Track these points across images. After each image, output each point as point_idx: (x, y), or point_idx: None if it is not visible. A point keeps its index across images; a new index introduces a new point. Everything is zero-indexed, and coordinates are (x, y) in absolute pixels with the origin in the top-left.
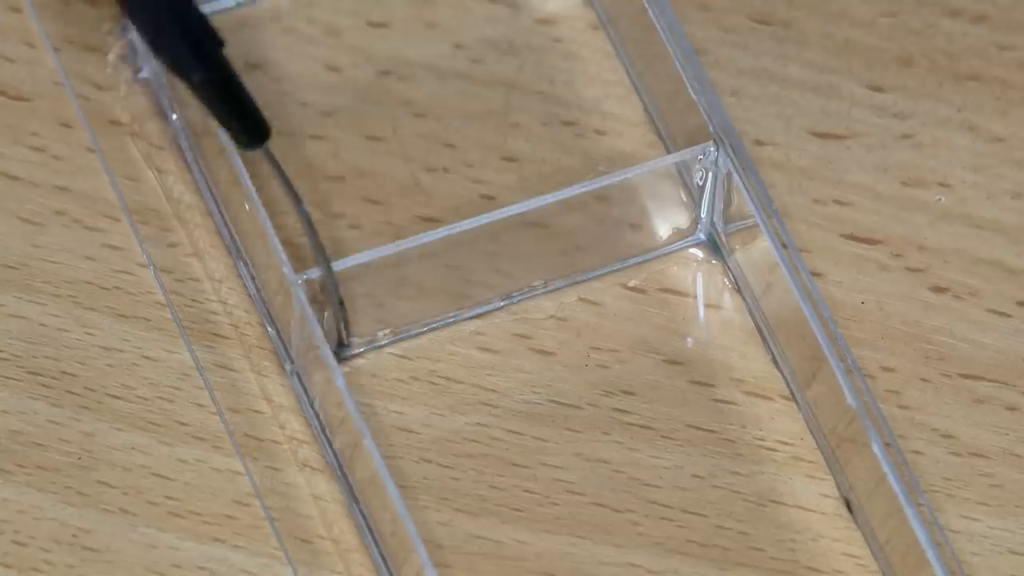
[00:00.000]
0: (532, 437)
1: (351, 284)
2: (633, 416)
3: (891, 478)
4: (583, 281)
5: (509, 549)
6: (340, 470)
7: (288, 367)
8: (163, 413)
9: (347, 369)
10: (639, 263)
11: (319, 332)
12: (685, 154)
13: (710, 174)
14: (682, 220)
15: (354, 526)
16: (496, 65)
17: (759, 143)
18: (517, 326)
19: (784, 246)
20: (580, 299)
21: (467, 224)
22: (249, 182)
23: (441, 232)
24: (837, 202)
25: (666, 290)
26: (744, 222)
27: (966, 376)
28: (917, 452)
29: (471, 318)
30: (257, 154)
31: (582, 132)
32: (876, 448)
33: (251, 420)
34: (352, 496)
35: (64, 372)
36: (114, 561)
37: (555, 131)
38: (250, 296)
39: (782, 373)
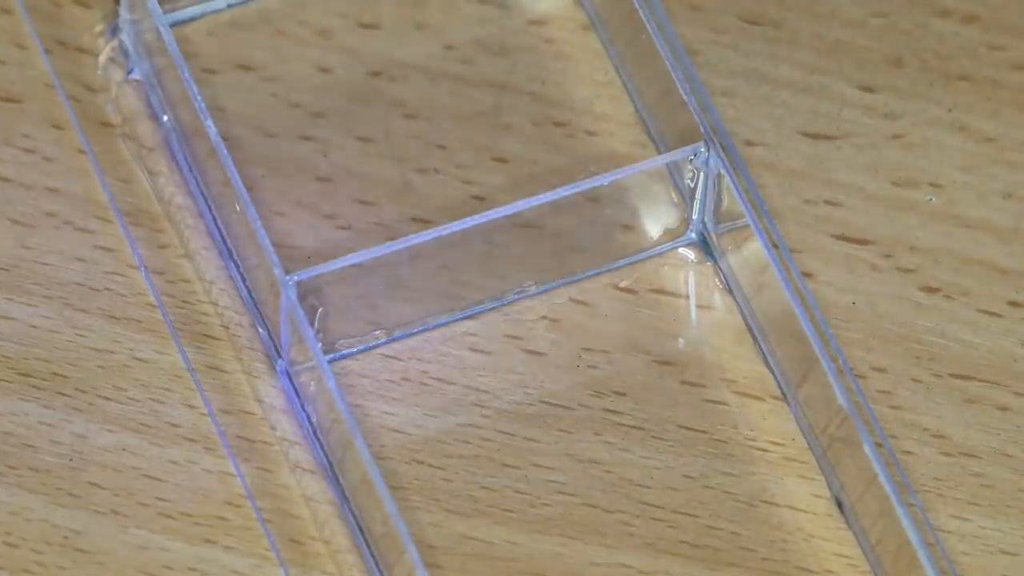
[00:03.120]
0: (523, 438)
1: (342, 285)
2: (624, 417)
3: (882, 478)
4: (574, 282)
5: (500, 550)
6: (331, 471)
7: (279, 368)
8: (154, 414)
9: (338, 370)
10: (630, 264)
11: (310, 333)
12: (676, 154)
13: (701, 174)
14: (673, 221)
15: (345, 527)
16: (487, 66)
17: (750, 143)
18: (508, 327)
19: (775, 246)
20: (571, 300)
21: (458, 225)
22: (240, 183)
23: (432, 233)
24: (828, 202)
25: (657, 291)
26: (735, 223)
27: (957, 376)
28: (908, 452)
29: (462, 319)
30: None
31: (573, 133)
32: (867, 448)
33: (242, 421)
34: (343, 497)
35: (55, 373)
36: (105, 563)
37: (546, 132)
38: (241, 297)
39: (773, 373)
